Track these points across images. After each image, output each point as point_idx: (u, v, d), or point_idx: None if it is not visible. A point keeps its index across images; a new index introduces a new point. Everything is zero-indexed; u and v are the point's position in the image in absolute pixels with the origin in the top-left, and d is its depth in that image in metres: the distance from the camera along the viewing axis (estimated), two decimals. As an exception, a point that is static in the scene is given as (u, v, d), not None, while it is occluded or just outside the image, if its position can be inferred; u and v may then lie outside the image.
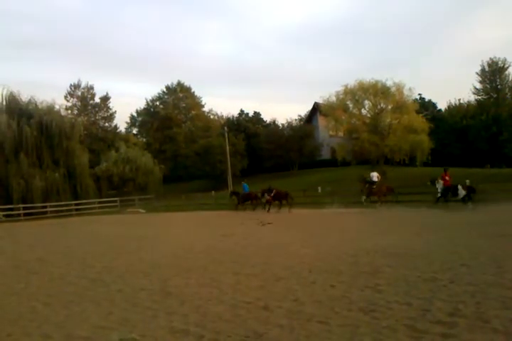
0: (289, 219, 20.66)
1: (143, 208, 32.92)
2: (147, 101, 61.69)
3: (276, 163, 50.72)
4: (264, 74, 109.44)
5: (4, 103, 34.38)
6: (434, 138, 38.74)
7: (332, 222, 18.14)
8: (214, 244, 12.33)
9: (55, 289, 7.68)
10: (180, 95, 61.62)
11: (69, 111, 51.61)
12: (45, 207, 30.94)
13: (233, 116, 59.88)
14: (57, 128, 33.60)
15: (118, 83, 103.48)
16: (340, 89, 40.09)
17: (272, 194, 25.24)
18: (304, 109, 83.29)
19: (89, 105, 57.39)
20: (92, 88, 57.42)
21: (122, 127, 62.70)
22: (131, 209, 33.12)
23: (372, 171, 25.07)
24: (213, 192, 39.42)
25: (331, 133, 47.80)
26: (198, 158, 50.75)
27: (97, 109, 57.97)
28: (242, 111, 60.21)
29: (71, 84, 56.85)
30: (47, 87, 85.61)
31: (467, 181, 22.60)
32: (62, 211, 30.92)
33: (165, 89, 61.55)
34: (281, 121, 59.37)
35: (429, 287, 6.33)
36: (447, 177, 21.15)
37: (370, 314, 5.16)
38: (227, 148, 44.74)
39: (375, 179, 23.82)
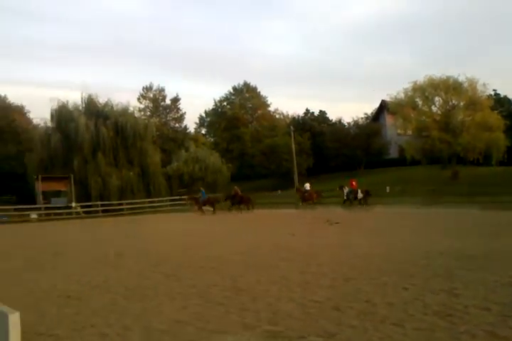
0: (357, 218, 20.38)
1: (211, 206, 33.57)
2: (215, 102, 62.97)
3: (342, 161, 49.96)
4: (330, 73, 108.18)
5: (83, 105, 36.72)
6: (510, 135, 36.49)
7: (402, 222, 17.69)
8: (281, 242, 12.41)
9: (133, 283, 8.01)
10: (247, 95, 62.34)
11: (142, 113, 53.84)
12: (121, 204, 32.50)
13: (299, 116, 59.63)
14: (132, 129, 35.31)
15: (188, 85, 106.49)
16: (409, 85, 38.74)
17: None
18: (370, 108, 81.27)
19: (161, 106, 59.50)
20: (163, 90, 59.61)
21: (191, 127, 64.47)
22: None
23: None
24: (279, 191, 39.55)
25: (399, 131, 46.37)
26: (264, 157, 50.98)
27: (167, 111, 60.02)
28: (307, 110, 59.89)
29: (143, 87, 59.32)
30: (121, 89, 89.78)
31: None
32: (136, 208, 32.27)
33: (232, 90, 62.55)
34: (347, 119, 58.39)
35: (508, 292, 6.05)
36: (354, 183, 28.02)
37: (447, 318, 4.99)
38: (293, 147, 44.70)
39: (308, 188, 29.69)
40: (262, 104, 63.26)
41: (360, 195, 26.24)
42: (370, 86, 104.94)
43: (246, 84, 62.53)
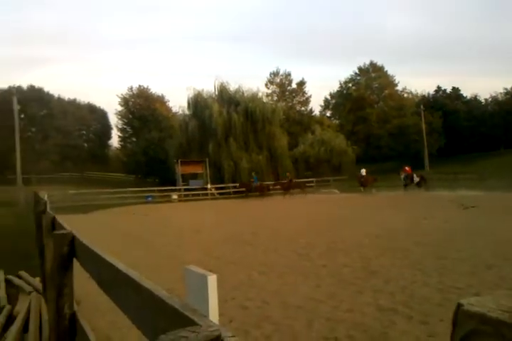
0: (495, 202, 18.80)
1: (337, 189, 33.60)
2: (340, 84, 62.25)
3: (479, 141, 46.31)
4: (463, 47, 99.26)
5: (216, 93, 38.95)
6: None
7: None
8: (414, 226, 12.09)
9: (268, 260, 8.49)
10: (373, 75, 60.62)
11: (269, 98, 55.14)
12: (251, 185, 33.94)
13: (429, 94, 56.34)
14: (260, 114, 36.62)
15: (313, 68, 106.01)
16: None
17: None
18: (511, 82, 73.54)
19: (287, 91, 60.53)
20: (289, 74, 60.52)
21: (317, 110, 64.45)
22: (325, 189, 34.09)
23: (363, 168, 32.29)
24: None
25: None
26: (391, 138, 49.36)
27: (293, 95, 60.90)
28: (438, 87, 56.18)
29: (271, 73, 60.83)
30: (250, 76, 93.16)
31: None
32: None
33: (357, 71, 61.27)
34: (484, 96, 53.66)
35: None
36: (407, 168, 29.15)
37: None
38: (423, 126, 42.59)
39: (364, 173, 31.20)
40: (389, 83, 60.99)
41: (416, 178, 27.83)
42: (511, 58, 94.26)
43: (372, 64, 60.78)
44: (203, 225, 15.48)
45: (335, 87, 63.96)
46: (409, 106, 55.17)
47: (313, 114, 61.84)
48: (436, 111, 48.40)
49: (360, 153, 46.33)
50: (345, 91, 61.18)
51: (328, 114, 65.43)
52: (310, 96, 61.37)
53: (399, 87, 62.12)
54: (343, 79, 62.21)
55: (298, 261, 8.34)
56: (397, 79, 61.61)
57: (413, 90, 62.30)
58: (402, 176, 28.62)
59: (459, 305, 0.49)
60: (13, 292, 6.41)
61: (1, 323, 4.86)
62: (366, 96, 58.64)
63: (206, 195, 32.13)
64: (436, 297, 5.49)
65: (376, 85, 60.59)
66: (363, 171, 31.52)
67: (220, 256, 9.15)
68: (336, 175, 39.15)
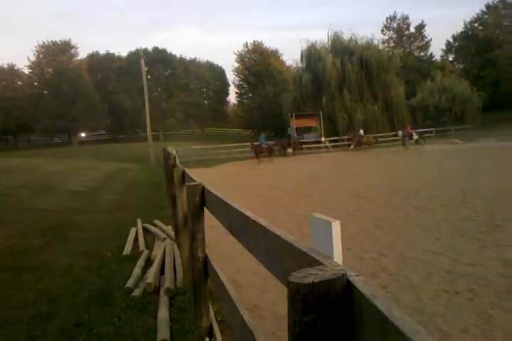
0: None
1: (459, 139, 31.53)
2: (465, 24, 56.61)
3: None
4: None
5: (329, 43, 37.83)
6: None
7: None
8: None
9: (383, 213, 8.46)
10: (503, 12, 54.10)
11: (385, 45, 52.34)
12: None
13: None
14: (376, 63, 34.97)
15: (433, 9, 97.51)
16: None
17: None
18: None
19: (405, 36, 56.92)
20: (407, 18, 56.67)
21: (438, 55, 59.86)
22: (446, 139, 32.19)
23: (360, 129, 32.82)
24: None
25: None
26: (525, 81, 44.34)
27: (412, 39, 57.13)
28: None
29: (387, 17, 57.39)
30: (365, 23, 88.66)
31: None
32: (380, 142, 32.42)
33: (484, 8, 55.05)
34: None
35: None
36: (409, 128, 30.76)
37: None
38: None
39: (362, 133, 31.87)
40: (522, 18, 54.11)
41: (415, 136, 29.61)
42: None
43: (502, 0, 54.14)
44: (317, 178, 15.64)
45: (458, 29, 58.58)
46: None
47: (434, 59, 57.66)
48: None
49: (487, 99, 42.49)
50: (470, 32, 55.73)
51: (450, 58, 60.53)
52: (430, 40, 57.08)
53: (536, 22, 55.01)
54: (467, 19, 56.65)
55: (415, 214, 8.21)
56: (533, 12, 54.48)
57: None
58: (401, 134, 30.30)
59: None
60: (149, 238, 7.18)
61: (141, 265, 5.53)
62: (495, 36, 52.93)
63: (320, 148, 32.09)
64: None
65: (507, 23, 54.28)
66: (361, 131, 32.36)
67: (335, 208, 9.29)
68: (458, 124, 36.68)
